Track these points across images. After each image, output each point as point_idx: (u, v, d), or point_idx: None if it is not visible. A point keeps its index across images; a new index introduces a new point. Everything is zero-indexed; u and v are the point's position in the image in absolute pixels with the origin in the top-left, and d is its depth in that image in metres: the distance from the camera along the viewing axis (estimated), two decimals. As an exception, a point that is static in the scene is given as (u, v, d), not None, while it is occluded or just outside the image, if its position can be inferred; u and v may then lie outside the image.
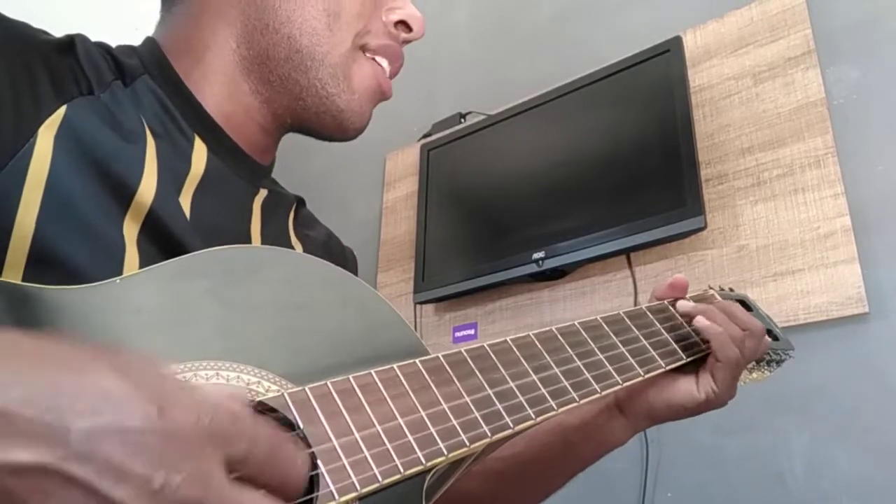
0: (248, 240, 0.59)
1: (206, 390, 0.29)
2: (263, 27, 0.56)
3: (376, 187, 2.00)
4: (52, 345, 0.27)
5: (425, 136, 1.91)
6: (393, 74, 0.63)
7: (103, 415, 0.25)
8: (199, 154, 0.56)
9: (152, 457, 0.25)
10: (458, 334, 1.66)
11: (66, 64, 0.50)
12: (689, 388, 0.62)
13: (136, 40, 0.60)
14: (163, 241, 0.49)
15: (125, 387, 0.26)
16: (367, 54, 0.60)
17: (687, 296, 0.67)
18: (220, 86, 0.57)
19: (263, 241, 0.60)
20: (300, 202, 0.70)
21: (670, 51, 1.47)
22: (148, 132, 0.53)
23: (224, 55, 0.57)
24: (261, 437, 0.28)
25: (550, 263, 1.47)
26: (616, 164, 1.48)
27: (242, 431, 0.28)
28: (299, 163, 2.14)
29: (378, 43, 0.60)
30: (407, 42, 0.64)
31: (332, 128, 0.60)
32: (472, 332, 1.64)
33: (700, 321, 0.62)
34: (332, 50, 0.57)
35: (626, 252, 1.45)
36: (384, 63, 0.61)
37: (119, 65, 0.54)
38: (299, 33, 0.56)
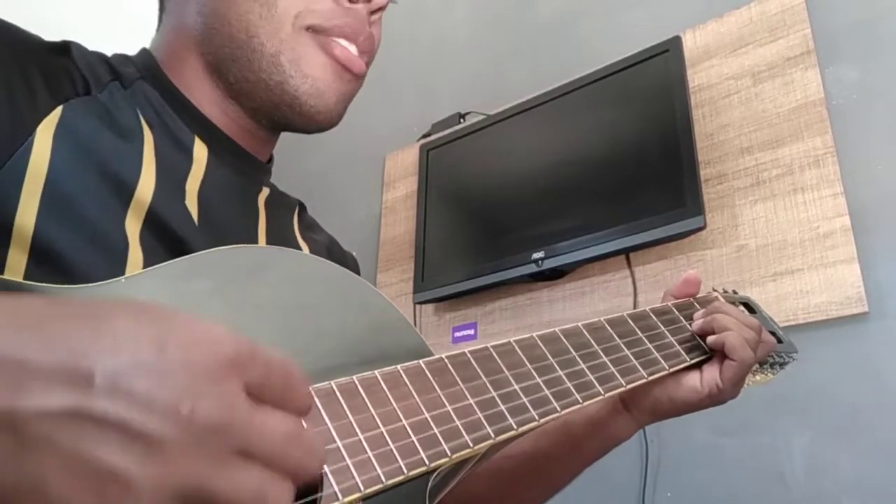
0: (255, 238, 0.59)
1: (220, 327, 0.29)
2: (212, 32, 0.56)
3: (376, 187, 2.00)
4: (64, 300, 0.28)
5: (425, 136, 1.91)
6: (365, 51, 0.59)
7: (123, 353, 0.25)
8: (200, 153, 0.56)
9: (176, 386, 0.25)
10: (457, 334, 1.66)
11: (62, 65, 0.50)
12: (692, 384, 0.62)
13: (134, 42, 0.61)
14: (165, 237, 0.49)
15: (141, 326, 0.26)
16: (319, 35, 0.57)
17: (692, 298, 0.67)
18: (200, 93, 0.58)
19: (270, 239, 0.61)
20: (302, 206, 0.70)
21: (670, 51, 1.48)
22: (146, 129, 0.53)
23: (196, 65, 0.58)
24: (273, 364, 0.29)
25: (550, 263, 1.48)
26: (616, 164, 1.48)
27: (257, 359, 0.28)
28: (298, 163, 2.14)
29: (328, 24, 0.57)
30: (374, 12, 0.60)
31: (298, 118, 0.58)
32: (471, 332, 1.64)
33: (712, 339, 0.62)
34: (269, 39, 0.55)
35: (626, 252, 1.45)
36: (342, 42, 0.57)
37: (115, 70, 0.54)
38: (236, 30, 0.55)
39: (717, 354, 0.62)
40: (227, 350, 0.27)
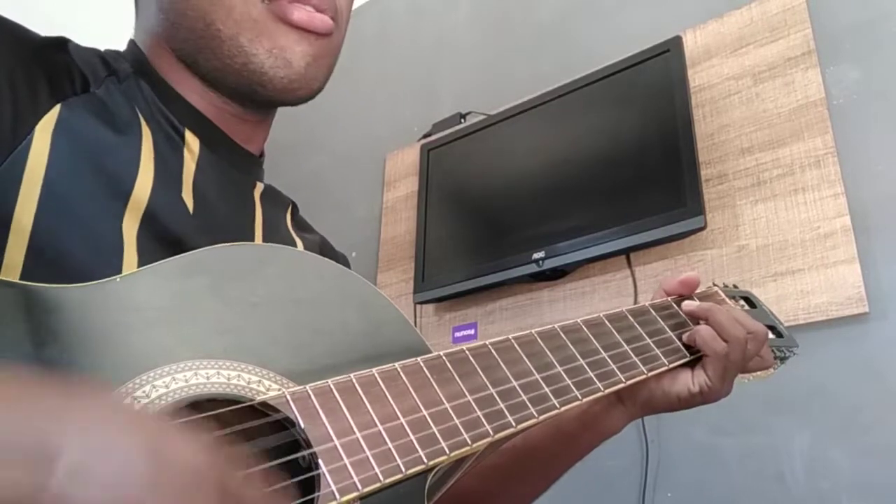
0: (252, 231, 0.59)
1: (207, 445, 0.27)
2: (175, 28, 0.56)
3: (376, 187, 2.00)
4: (51, 379, 0.26)
5: (425, 136, 1.91)
6: (324, 7, 0.56)
7: (93, 454, 0.23)
8: (193, 147, 0.56)
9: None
10: (458, 334, 1.65)
11: (62, 61, 0.50)
12: (685, 380, 0.62)
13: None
14: (162, 237, 0.49)
15: (122, 423, 0.24)
16: (273, 3, 0.54)
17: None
18: (184, 86, 0.57)
19: (267, 233, 0.61)
20: (295, 206, 0.70)
21: (670, 51, 1.47)
22: (143, 123, 0.53)
23: (172, 60, 0.57)
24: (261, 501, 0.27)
25: (550, 263, 1.47)
26: (616, 164, 1.48)
27: (242, 493, 0.26)
28: (299, 163, 2.15)
29: None
30: None
31: (275, 93, 0.56)
32: (471, 332, 1.63)
33: (685, 336, 0.62)
34: (224, 22, 0.53)
35: (626, 252, 1.44)
36: (298, 4, 0.55)
37: (110, 65, 0.55)
38: (193, 21, 0.54)
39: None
40: (210, 476, 0.25)
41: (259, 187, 0.63)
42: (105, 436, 0.23)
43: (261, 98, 0.57)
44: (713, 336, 0.61)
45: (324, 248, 0.71)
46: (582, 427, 0.65)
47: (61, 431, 0.23)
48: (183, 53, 0.56)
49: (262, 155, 0.65)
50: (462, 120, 1.86)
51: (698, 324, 0.63)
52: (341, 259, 0.73)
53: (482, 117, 1.78)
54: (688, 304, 0.64)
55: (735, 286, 0.76)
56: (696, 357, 0.62)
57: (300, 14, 0.55)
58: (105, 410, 0.24)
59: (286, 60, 0.54)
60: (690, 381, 0.62)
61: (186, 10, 0.54)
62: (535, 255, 1.49)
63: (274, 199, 0.65)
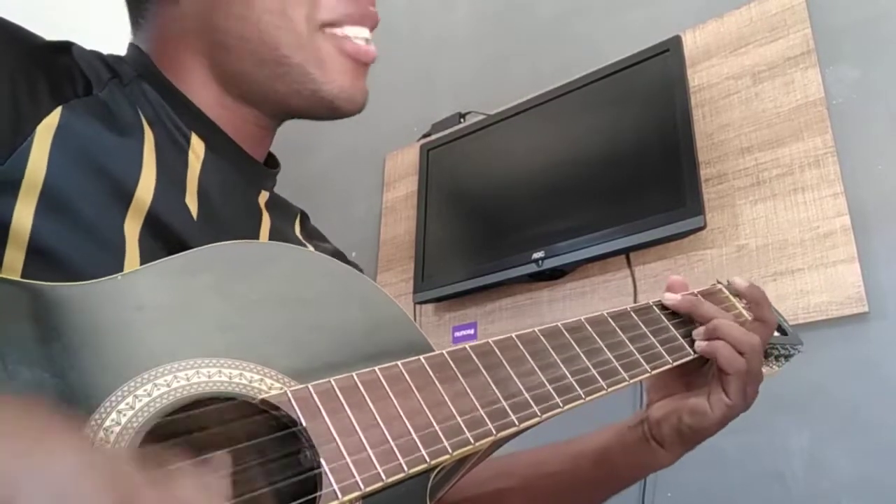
0: (256, 237, 0.59)
1: (184, 489, 0.27)
2: (226, 48, 0.56)
3: (376, 187, 2.00)
4: (19, 414, 0.26)
5: (425, 136, 1.91)
6: (373, 29, 0.61)
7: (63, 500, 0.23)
8: (198, 151, 0.56)
9: None
10: (457, 334, 1.65)
11: (64, 64, 0.50)
12: (702, 409, 0.60)
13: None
14: (165, 238, 0.49)
15: (90, 474, 0.24)
16: (333, 30, 0.57)
17: (696, 291, 0.66)
18: (206, 98, 0.57)
19: (273, 239, 0.60)
20: (304, 215, 0.70)
21: (670, 50, 1.47)
22: (146, 125, 0.53)
23: (202, 75, 0.57)
24: None
25: (550, 263, 1.47)
26: (616, 164, 1.48)
27: None
28: (299, 162, 2.14)
29: (337, 16, 0.57)
30: None
31: (329, 115, 0.59)
32: (471, 332, 1.63)
33: (698, 346, 0.61)
34: (291, 48, 0.55)
35: (626, 252, 1.45)
36: (351, 31, 0.58)
37: (112, 68, 0.54)
38: (257, 45, 0.55)
39: (715, 371, 0.61)
40: None
41: (264, 195, 0.62)
42: (65, 486, 0.23)
43: (310, 114, 0.59)
44: (734, 354, 0.59)
45: (336, 258, 0.70)
46: (631, 462, 0.65)
47: (21, 478, 0.23)
48: (226, 71, 0.56)
49: (277, 165, 0.65)
50: (461, 120, 1.86)
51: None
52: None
53: (481, 117, 1.78)
54: (669, 298, 0.63)
55: None
56: (699, 356, 0.61)
57: (353, 47, 0.58)
58: (68, 458, 0.24)
59: (351, 95, 0.58)
60: (708, 408, 0.60)
61: (247, 35, 0.55)
62: (535, 255, 1.49)
63: (280, 207, 0.65)
